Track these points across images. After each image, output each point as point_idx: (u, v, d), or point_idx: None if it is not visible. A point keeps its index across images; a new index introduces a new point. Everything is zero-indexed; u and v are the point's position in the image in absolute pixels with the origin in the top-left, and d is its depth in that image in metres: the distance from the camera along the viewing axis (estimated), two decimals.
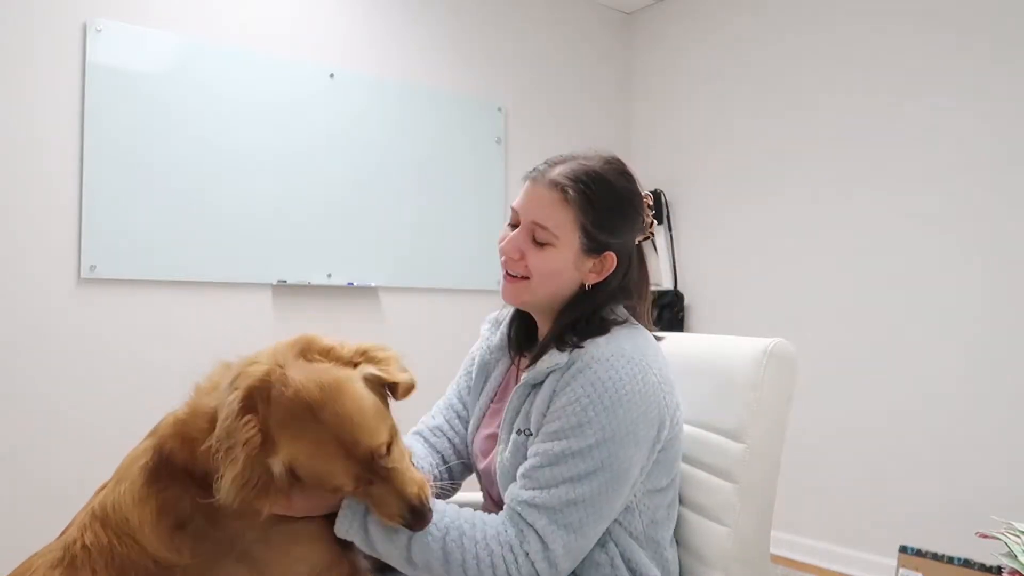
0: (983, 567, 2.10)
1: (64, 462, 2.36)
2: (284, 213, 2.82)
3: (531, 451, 1.06)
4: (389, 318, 3.08)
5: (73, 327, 2.41)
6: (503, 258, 1.16)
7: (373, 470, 0.90)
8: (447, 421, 1.33)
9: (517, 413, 1.13)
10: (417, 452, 1.26)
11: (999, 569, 1.89)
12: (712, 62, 3.62)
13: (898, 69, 2.90)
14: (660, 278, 3.63)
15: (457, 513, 1.02)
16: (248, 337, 2.74)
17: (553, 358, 1.08)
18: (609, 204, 1.12)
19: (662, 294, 3.58)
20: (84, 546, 0.90)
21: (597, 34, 3.91)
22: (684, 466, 1.21)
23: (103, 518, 0.91)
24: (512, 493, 1.05)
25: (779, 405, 1.17)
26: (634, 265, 1.19)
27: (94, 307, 2.45)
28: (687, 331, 3.57)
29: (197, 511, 0.89)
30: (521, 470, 1.06)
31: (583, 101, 3.82)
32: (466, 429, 1.31)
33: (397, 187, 3.12)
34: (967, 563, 2.14)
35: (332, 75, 2.97)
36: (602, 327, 1.11)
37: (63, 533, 0.96)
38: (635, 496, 1.09)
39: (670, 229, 3.64)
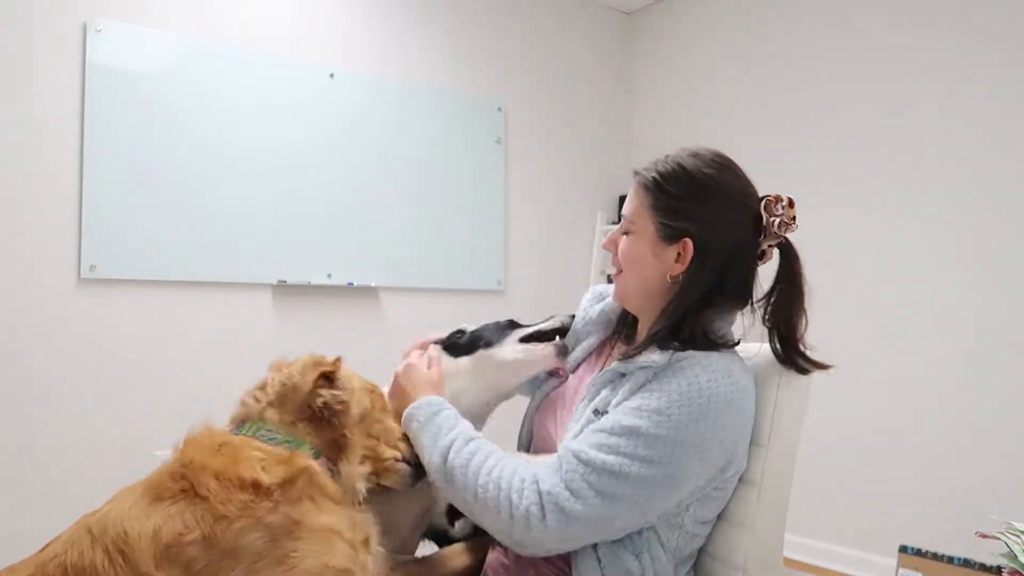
0: (983, 567, 2.10)
1: (64, 462, 2.36)
2: (284, 213, 2.82)
3: (604, 417, 1.05)
4: (389, 318, 3.08)
5: (73, 327, 2.41)
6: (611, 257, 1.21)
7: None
8: None
9: (597, 394, 1.11)
10: None
11: (999, 569, 1.89)
12: (712, 62, 3.62)
13: (900, 69, 2.90)
14: None
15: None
16: (248, 337, 2.74)
17: (652, 355, 1.06)
18: (682, 188, 1.10)
19: None
20: (62, 565, 0.83)
21: (597, 34, 3.91)
22: None
23: (98, 534, 0.85)
24: (563, 447, 1.04)
25: (797, 408, 1.17)
26: (735, 268, 1.11)
27: (94, 307, 2.45)
28: None
29: (207, 516, 0.85)
30: (582, 429, 1.06)
31: (583, 101, 3.82)
32: None
33: (397, 187, 3.12)
34: (967, 563, 2.14)
35: (332, 75, 2.97)
36: (708, 344, 1.08)
37: (44, 548, 0.88)
38: (683, 520, 1.06)
39: None
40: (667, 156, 1.15)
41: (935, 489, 2.69)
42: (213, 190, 2.67)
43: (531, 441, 1.29)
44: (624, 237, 1.16)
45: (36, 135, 2.37)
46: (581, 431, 1.06)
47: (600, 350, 1.27)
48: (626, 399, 1.05)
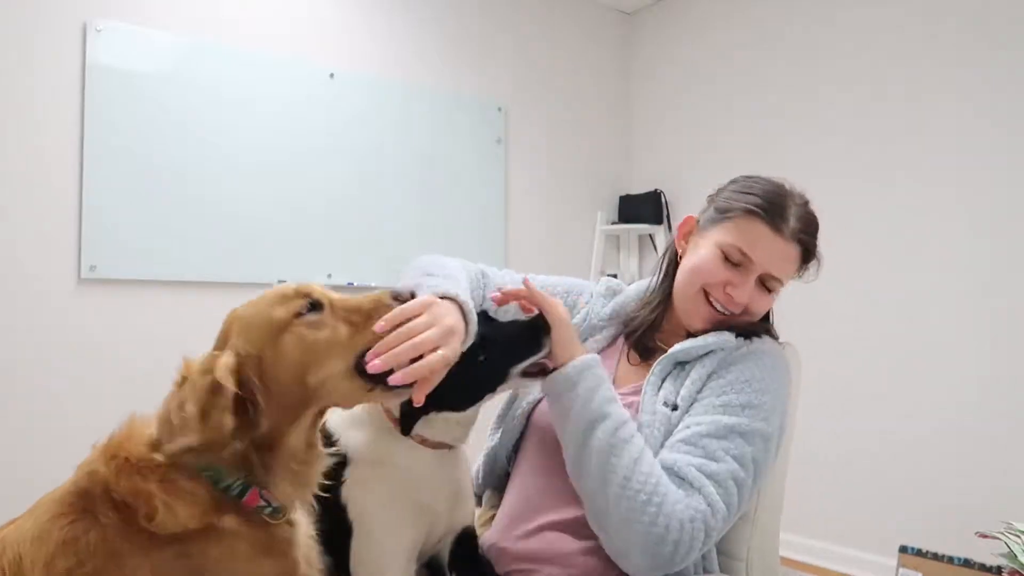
0: (983, 567, 2.10)
1: (64, 462, 2.36)
2: (284, 213, 2.82)
3: (692, 419, 1.04)
4: None
5: (73, 327, 2.41)
6: (723, 300, 1.11)
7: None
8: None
9: (660, 385, 1.10)
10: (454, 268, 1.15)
11: (999, 569, 1.89)
12: (712, 62, 3.62)
13: (900, 67, 2.90)
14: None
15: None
16: None
17: (721, 337, 1.09)
18: (815, 238, 1.15)
19: None
20: None
21: (597, 34, 3.91)
22: None
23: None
24: (673, 459, 1.00)
25: (791, 402, 1.22)
26: None
27: (94, 307, 2.45)
28: None
29: (100, 550, 0.77)
30: (680, 436, 1.03)
31: (583, 101, 3.82)
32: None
33: (397, 187, 3.12)
34: (967, 563, 2.14)
35: (332, 75, 2.97)
36: (769, 333, 1.17)
37: None
38: None
39: (670, 229, 3.64)
40: (804, 209, 1.14)
41: (935, 489, 2.69)
42: (213, 190, 2.67)
43: (525, 427, 1.21)
44: (764, 293, 1.13)
45: (36, 135, 2.37)
46: (665, 433, 1.05)
47: (611, 344, 1.26)
48: (701, 390, 1.07)
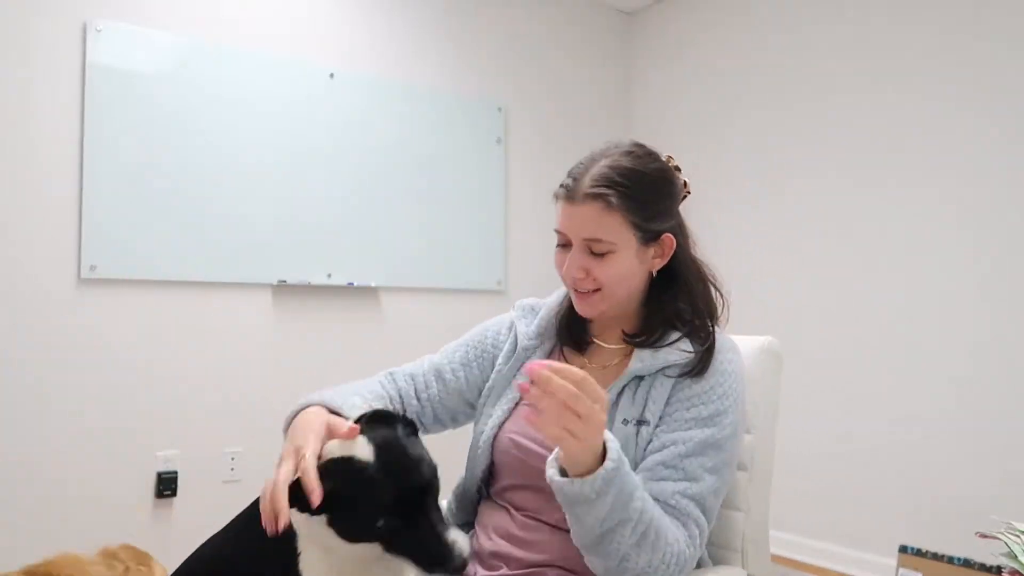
0: (983, 567, 2.10)
1: (63, 462, 2.36)
2: (284, 213, 2.82)
3: (667, 438, 1.06)
4: (389, 318, 3.08)
5: (73, 327, 2.41)
6: (568, 281, 1.14)
7: None
8: (424, 378, 1.26)
9: (616, 404, 1.11)
10: (370, 389, 1.18)
11: (999, 569, 1.89)
12: (712, 62, 3.62)
13: (901, 66, 2.90)
14: None
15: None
16: (248, 337, 2.74)
17: (678, 350, 1.11)
18: (650, 193, 1.11)
19: None
20: None
21: (597, 34, 3.91)
22: None
23: None
24: (660, 488, 1.02)
25: (774, 396, 1.29)
26: (688, 243, 1.20)
27: (94, 307, 2.45)
28: None
29: None
30: (660, 458, 1.04)
31: (583, 101, 3.82)
32: (443, 397, 1.25)
33: (397, 187, 3.12)
34: (967, 563, 2.14)
35: (332, 75, 2.97)
36: (711, 319, 1.16)
37: None
38: None
39: None
40: (606, 165, 1.09)
41: (935, 489, 2.69)
42: (213, 190, 2.67)
43: (491, 461, 1.19)
44: (600, 260, 1.09)
45: (36, 135, 2.37)
46: (630, 448, 1.06)
47: (550, 356, 1.24)
48: (669, 402, 1.09)
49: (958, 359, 2.68)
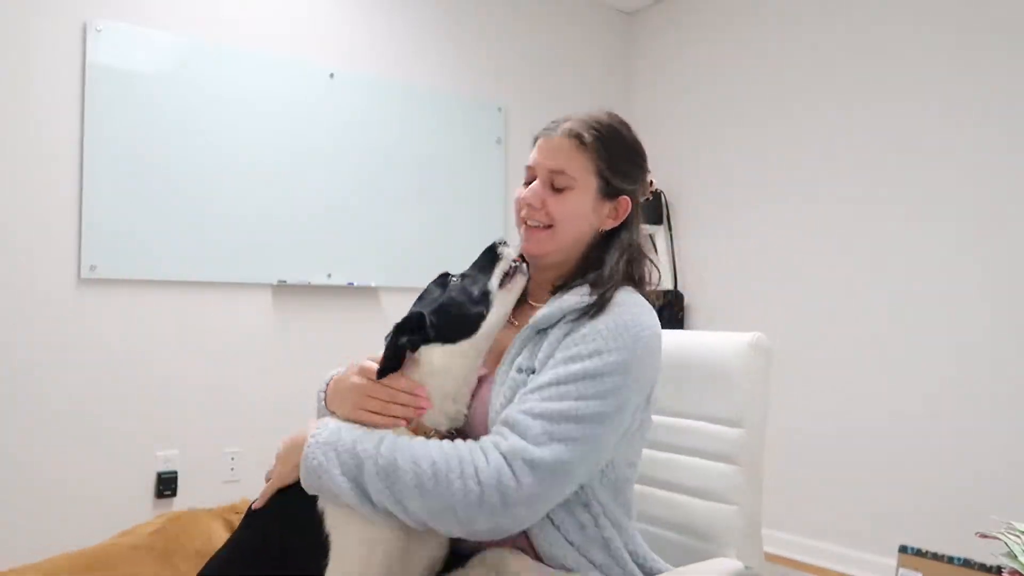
0: (983, 567, 2.10)
1: (63, 462, 2.36)
2: (284, 213, 2.82)
3: (538, 377, 1.04)
4: (389, 318, 3.08)
5: (73, 327, 2.41)
6: (523, 211, 1.18)
7: None
8: None
9: (519, 354, 1.12)
10: None
11: (999, 569, 1.89)
12: (712, 62, 3.62)
13: (901, 66, 2.90)
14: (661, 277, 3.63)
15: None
16: (248, 337, 2.74)
17: (576, 297, 1.10)
18: (621, 150, 1.18)
19: (663, 294, 3.58)
20: None
21: (597, 34, 3.91)
22: (683, 457, 1.31)
23: None
24: (507, 411, 1.01)
25: (764, 391, 1.29)
26: (637, 224, 1.23)
27: (94, 307, 2.45)
28: (687, 330, 3.57)
29: None
30: (525, 389, 1.03)
31: (583, 101, 3.80)
32: None
33: (397, 187, 3.12)
34: (967, 563, 2.14)
35: (332, 75, 2.97)
36: (631, 280, 1.16)
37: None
38: (614, 464, 1.10)
39: (670, 229, 3.64)
40: (589, 115, 1.18)
41: (935, 489, 2.69)
42: (213, 190, 2.67)
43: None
44: (558, 194, 1.15)
45: (36, 135, 2.37)
46: (513, 395, 1.05)
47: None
48: (555, 349, 1.06)
49: (958, 358, 2.68)
